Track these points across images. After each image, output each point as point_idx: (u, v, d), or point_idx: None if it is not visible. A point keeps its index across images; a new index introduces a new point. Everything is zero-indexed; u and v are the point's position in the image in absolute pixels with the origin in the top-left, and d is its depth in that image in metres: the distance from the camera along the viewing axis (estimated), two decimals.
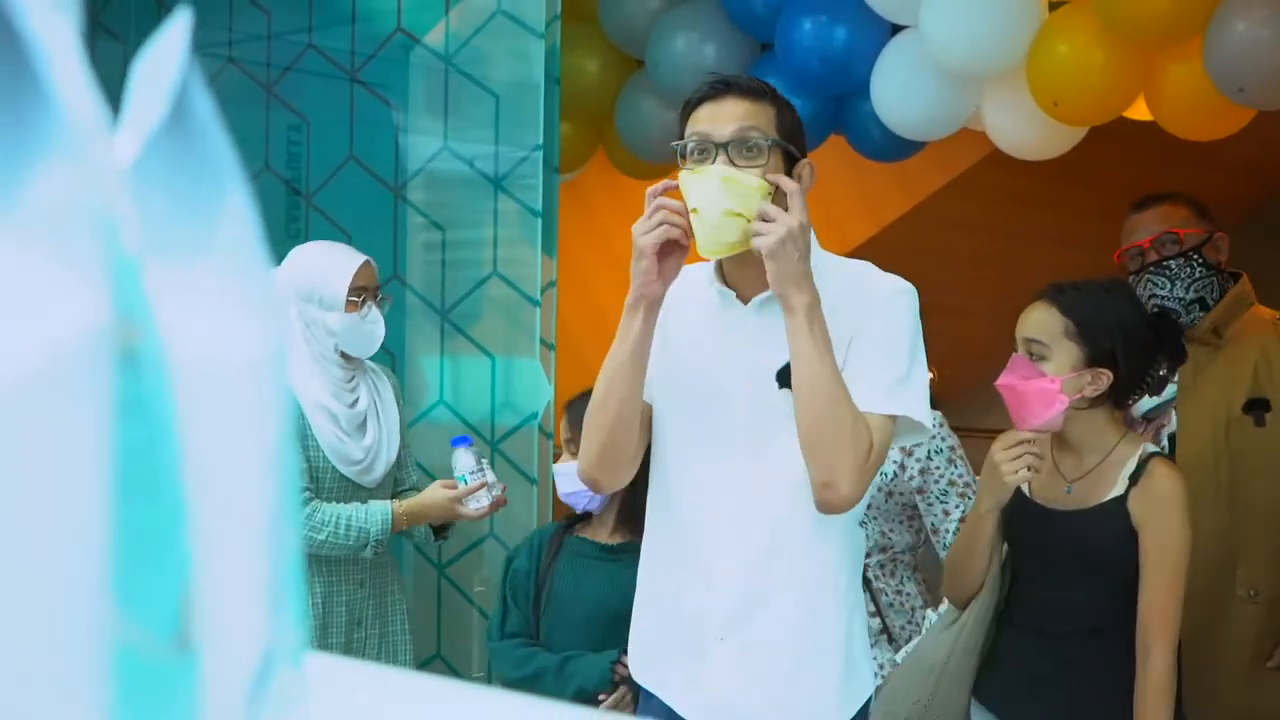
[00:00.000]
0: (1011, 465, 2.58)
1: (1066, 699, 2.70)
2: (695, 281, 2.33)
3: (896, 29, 4.01)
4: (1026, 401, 2.61)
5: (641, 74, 4.53)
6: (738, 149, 2.18)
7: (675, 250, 2.20)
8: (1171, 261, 3.38)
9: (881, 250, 6.64)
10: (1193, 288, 3.40)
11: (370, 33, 4.55)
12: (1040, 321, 2.67)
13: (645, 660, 2.41)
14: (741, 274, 2.29)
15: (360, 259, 3.24)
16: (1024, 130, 3.93)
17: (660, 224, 2.15)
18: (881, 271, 2.34)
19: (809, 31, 4.03)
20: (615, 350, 2.25)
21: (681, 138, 2.24)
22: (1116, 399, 2.71)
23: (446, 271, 4.35)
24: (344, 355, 3.25)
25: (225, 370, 0.55)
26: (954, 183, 6.45)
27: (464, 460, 3.31)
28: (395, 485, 3.41)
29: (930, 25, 3.80)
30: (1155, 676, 2.61)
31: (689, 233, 2.17)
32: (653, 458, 2.38)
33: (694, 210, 2.15)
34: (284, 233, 4.80)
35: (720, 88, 2.23)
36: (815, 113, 4.33)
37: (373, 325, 3.24)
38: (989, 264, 6.86)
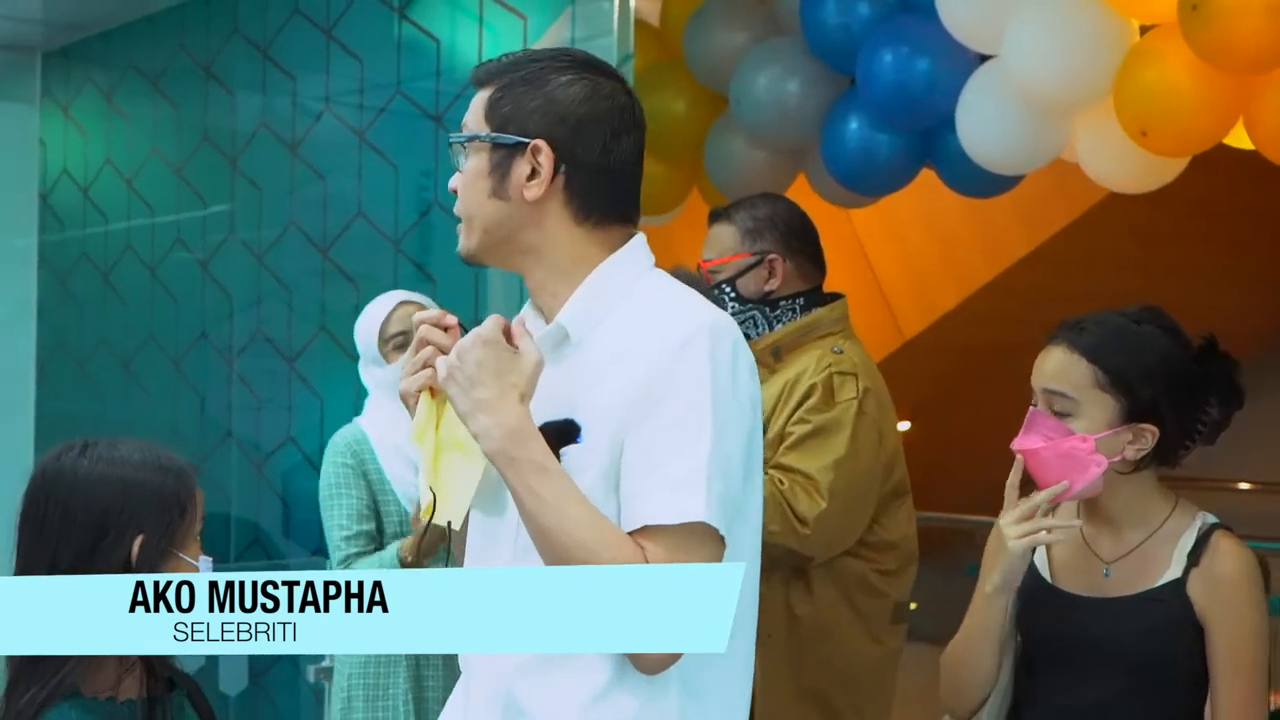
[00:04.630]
0: (1020, 528, 2.14)
1: None
2: None
3: (984, 59, 3.83)
4: (1053, 468, 2.18)
5: (729, 112, 4.42)
6: (457, 154, 1.90)
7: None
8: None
9: (1005, 292, 6.39)
10: None
11: (454, 79, 4.54)
12: (1061, 370, 2.21)
13: None
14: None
15: (390, 303, 3.10)
16: (1117, 162, 3.70)
17: (424, 366, 1.84)
18: (686, 302, 1.83)
19: (890, 64, 3.87)
20: None
21: None
22: (1162, 457, 2.23)
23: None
24: None
25: None
26: (1081, 219, 6.17)
27: None
28: None
29: (1014, 53, 3.60)
30: None
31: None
32: None
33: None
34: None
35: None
36: (904, 147, 4.15)
37: None
38: (1121, 304, 6.53)
